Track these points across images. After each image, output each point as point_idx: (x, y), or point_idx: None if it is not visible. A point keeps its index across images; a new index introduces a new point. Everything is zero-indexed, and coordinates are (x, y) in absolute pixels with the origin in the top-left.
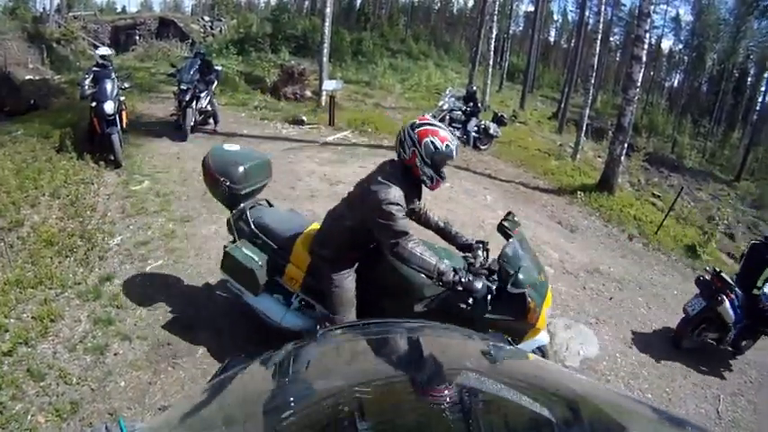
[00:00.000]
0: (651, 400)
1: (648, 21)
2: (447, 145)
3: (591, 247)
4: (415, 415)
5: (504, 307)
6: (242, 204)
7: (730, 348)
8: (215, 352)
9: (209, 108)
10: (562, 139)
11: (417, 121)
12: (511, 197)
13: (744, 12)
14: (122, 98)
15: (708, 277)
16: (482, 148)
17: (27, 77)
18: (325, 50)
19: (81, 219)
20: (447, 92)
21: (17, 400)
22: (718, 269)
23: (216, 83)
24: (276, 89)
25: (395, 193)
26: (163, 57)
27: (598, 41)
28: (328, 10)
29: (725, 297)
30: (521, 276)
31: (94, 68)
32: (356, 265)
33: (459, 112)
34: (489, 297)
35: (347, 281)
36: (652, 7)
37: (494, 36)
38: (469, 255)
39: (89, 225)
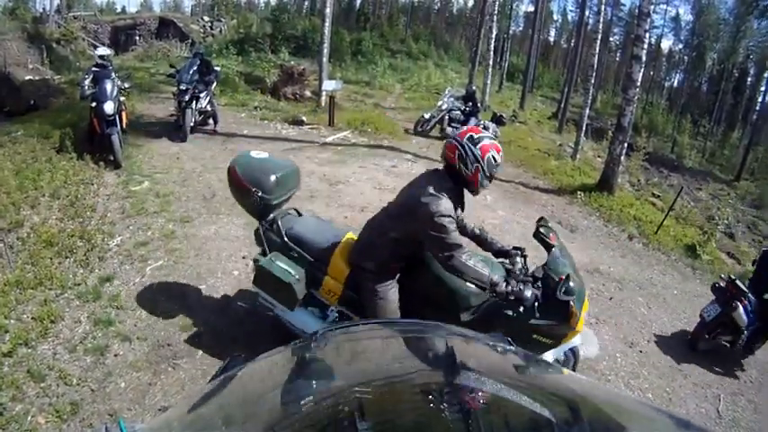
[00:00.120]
0: (651, 399)
1: (648, 20)
2: (501, 155)
3: (591, 247)
4: (414, 415)
5: (549, 312)
6: (271, 215)
7: (743, 350)
8: (215, 352)
9: (208, 108)
10: (562, 138)
11: (474, 135)
12: (511, 197)
13: (743, 11)
14: (122, 98)
15: (723, 285)
16: None
17: (27, 78)
18: (325, 51)
19: (81, 219)
20: (446, 92)
21: (17, 401)
22: (732, 277)
23: (215, 83)
24: (276, 89)
25: (446, 205)
26: (162, 57)
27: (598, 41)
28: (328, 10)
29: (739, 303)
30: (571, 284)
31: (94, 69)
32: (398, 275)
33: (459, 112)
34: (536, 304)
35: (391, 292)
36: (652, 7)
37: (493, 36)
38: (506, 260)
39: (89, 226)
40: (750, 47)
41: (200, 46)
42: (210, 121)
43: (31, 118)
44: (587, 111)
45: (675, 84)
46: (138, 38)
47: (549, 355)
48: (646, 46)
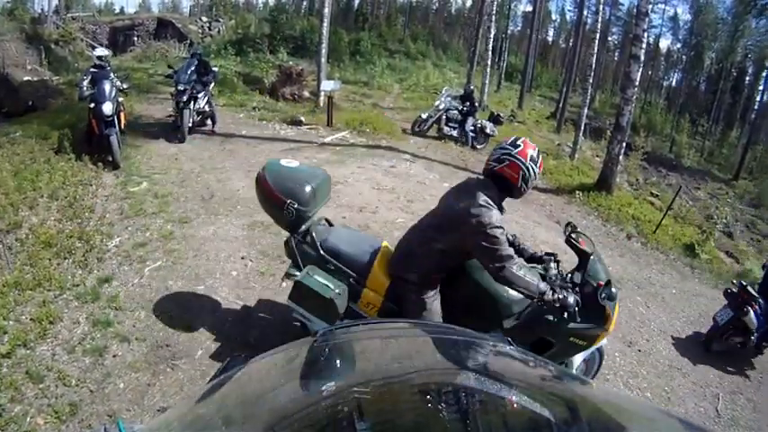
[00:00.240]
0: (650, 399)
1: (646, 20)
2: None
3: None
4: (414, 415)
5: (587, 316)
6: (303, 226)
7: (753, 350)
8: (214, 353)
9: (206, 109)
10: (560, 138)
11: (534, 155)
12: None
13: (742, 11)
14: (120, 99)
15: (735, 290)
16: (478, 147)
17: (25, 78)
18: (324, 51)
19: (79, 220)
20: (443, 91)
21: (16, 402)
22: (744, 283)
23: (213, 83)
24: (274, 90)
25: (497, 216)
26: (161, 58)
27: (596, 41)
28: (326, 10)
29: (750, 308)
30: (613, 290)
31: (92, 69)
32: (439, 285)
33: (456, 112)
34: (576, 309)
35: (435, 303)
36: (650, 6)
37: (492, 36)
38: (538, 266)
39: (87, 227)
40: (748, 46)
41: (198, 46)
42: (209, 121)
43: (30, 119)
44: (586, 110)
45: (674, 83)
46: (136, 38)
47: (579, 356)
48: (644, 45)
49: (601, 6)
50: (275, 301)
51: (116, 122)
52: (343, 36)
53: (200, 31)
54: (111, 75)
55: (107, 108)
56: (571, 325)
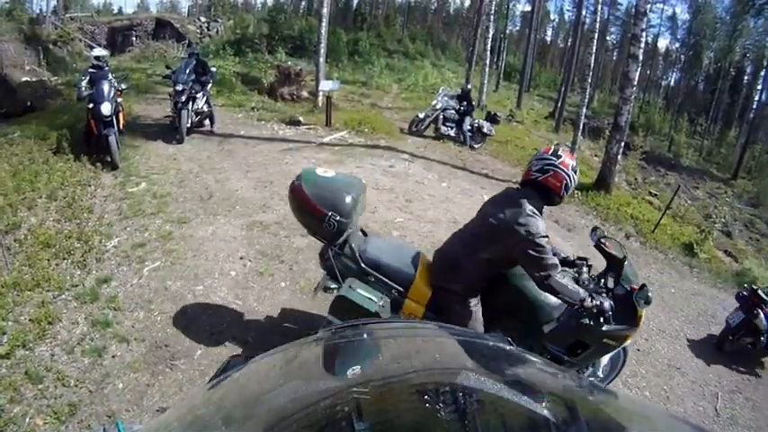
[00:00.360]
0: (649, 398)
1: (645, 19)
2: None
3: (588, 246)
4: (412, 415)
5: (620, 319)
6: (341, 238)
7: (763, 350)
8: (213, 353)
9: (205, 109)
10: (559, 138)
11: (574, 164)
12: None
13: (740, 10)
14: (119, 99)
15: (746, 294)
16: (475, 146)
17: (24, 79)
18: (322, 51)
19: (78, 221)
20: (440, 91)
21: (15, 403)
22: (755, 287)
23: (211, 83)
24: (273, 90)
25: (543, 226)
26: (159, 58)
27: (595, 40)
28: (325, 10)
29: (760, 310)
30: (649, 294)
31: (91, 70)
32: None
33: (453, 112)
34: (611, 313)
35: (478, 311)
36: (648, 6)
37: (490, 36)
38: (570, 270)
39: (86, 227)
40: (747, 45)
41: (196, 46)
42: (207, 121)
43: (28, 119)
44: (584, 110)
45: (672, 83)
46: (134, 39)
47: (606, 356)
48: (642, 45)
49: (599, 6)
50: (274, 301)
51: (114, 123)
52: (341, 36)
53: (198, 31)
54: (110, 75)
55: (105, 108)
56: (605, 327)
